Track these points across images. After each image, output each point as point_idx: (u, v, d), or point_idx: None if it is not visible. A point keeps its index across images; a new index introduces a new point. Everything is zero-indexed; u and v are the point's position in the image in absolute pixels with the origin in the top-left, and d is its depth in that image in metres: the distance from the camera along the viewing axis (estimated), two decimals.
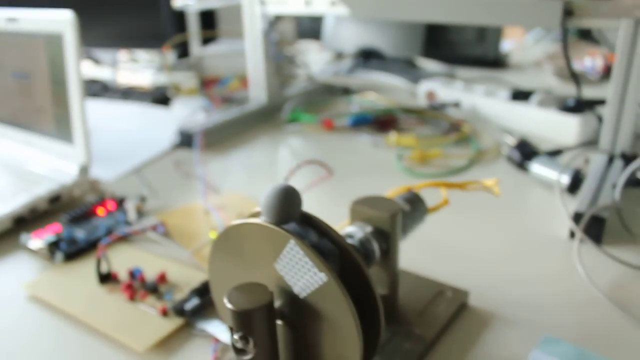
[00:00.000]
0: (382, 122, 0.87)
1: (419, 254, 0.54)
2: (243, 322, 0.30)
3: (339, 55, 1.33)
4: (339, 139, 0.86)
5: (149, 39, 1.19)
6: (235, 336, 0.30)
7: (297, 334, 0.33)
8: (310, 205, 0.52)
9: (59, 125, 0.70)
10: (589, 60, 1.20)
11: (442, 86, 0.97)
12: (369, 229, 0.39)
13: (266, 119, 0.95)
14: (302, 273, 0.30)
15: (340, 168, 0.74)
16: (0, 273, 0.55)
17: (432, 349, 0.41)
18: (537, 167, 0.67)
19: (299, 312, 0.32)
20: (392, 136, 0.81)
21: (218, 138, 0.87)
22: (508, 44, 1.51)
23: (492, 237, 0.57)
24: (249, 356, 0.31)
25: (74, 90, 0.67)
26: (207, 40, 1.27)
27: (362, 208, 0.39)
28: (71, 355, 0.43)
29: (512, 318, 0.44)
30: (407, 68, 1.17)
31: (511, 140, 0.72)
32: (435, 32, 1.21)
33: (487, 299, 0.47)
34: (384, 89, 1.11)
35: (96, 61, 1.38)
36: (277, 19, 0.94)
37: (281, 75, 1.02)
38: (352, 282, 0.31)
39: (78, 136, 0.68)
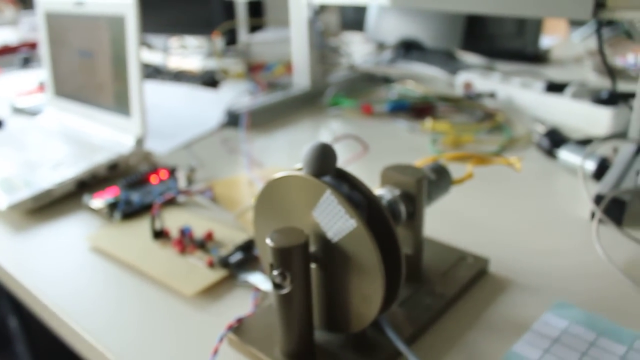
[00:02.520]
0: (418, 109, 0.91)
1: (443, 224, 0.58)
2: (281, 258, 0.34)
3: (381, 47, 1.37)
4: (377, 123, 0.90)
5: (199, 26, 1.25)
6: (275, 272, 0.35)
7: (329, 276, 0.38)
8: None
9: (118, 100, 0.77)
10: (632, 57, 1.21)
11: (479, 77, 1.00)
12: (397, 191, 0.43)
13: (308, 103, 1.00)
14: (336, 219, 0.35)
15: (376, 149, 0.78)
16: (65, 228, 0.61)
17: (452, 306, 0.45)
18: (564, 154, 0.69)
19: (331, 256, 0.37)
20: (428, 122, 0.85)
21: (262, 119, 0.92)
22: (550, 40, 1.52)
23: (514, 212, 0.60)
24: (286, 290, 0.35)
25: (133, 68, 0.73)
26: (254, 28, 1.33)
27: (391, 173, 0.44)
28: (127, 296, 0.49)
29: (528, 285, 0.48)
30: (446, 60, 1.20)
31: (542, 129, 0.74)
32: (474, 24, 1.23)
33: (506, 267, 0.50)
34: (422, 79, 1.14)
35: (149, 46, 1.45)
36: (322, 8, 0.99)
37: (324, 63, 1.06)
38: (378, 231, 0.35)
39: (135, 110, 0.74)
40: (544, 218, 0.59)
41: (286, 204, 0.38)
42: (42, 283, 0.51)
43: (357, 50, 1.40)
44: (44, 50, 0.90)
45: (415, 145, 0.80)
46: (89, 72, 0.81)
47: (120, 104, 0.77)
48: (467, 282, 0.47)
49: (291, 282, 0.35)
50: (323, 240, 0.37)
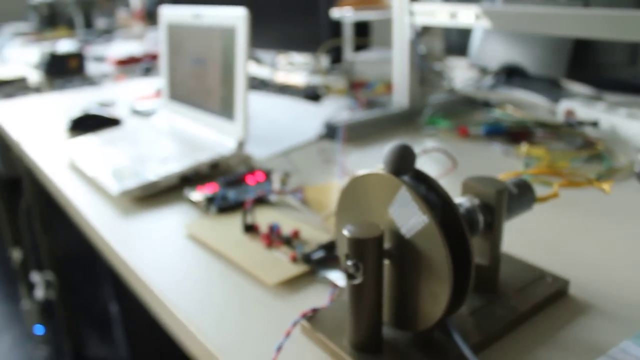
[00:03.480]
0: (515, 133, 0.90)
1: (523, 241, 0.57)
2: (356, 249, 0.37)
3: (484, 72, 1.36)
4: (472, 145, 0.90)
5: (306, 44, 1.31)
6: (349, 262, 0.37)
7: (400, 273, 0.39)
8: None
9: (224, 105, 0.82)
10: None
11: (583, 105, 0.97)
12: (476, 201, 0.44)
13: (405, 122, 1.02)
14: (409, 216, 0.36)
15: (466, 167, 0.78)
16: (167, 216, 0.67)
17: (525, 322, 0.45)
18: None
19: (404, 253, 0.38)
20: (523, 147, 0.84)
21: (359, 133, 0.95)
22: None
23: (602, 239, 0.58)
24: (358, 281, 0.37)
25: (240, 76, 0.78)
26: (359, 47, 1.37)
27: (472, 183, 0.45)
28: (215, 281, 0.53)
29: (610, 311, 0.46)
30: (550, 88, 1.17)
31: None
32: (582, 52, 1.20)
33: (587, 291, 0.49)
34: (523, 105, 1.13)
35: (258, 61, 1.53)
36: (424, 30, 1.01)
37: (424, 84, 1.08)
38: (451, 232, 0.37)
39: (238, 115, 0.79)
40: (635, 248, 0.57)
41: (366, 200, 0.40)
42: (142, 261, 0.57)
43: (460, 75, 1.40)
44: (163, 59, 0.98)
45: (507, 168, 0.79)
46: (200, 79, 0.88)
47: (225, 108, 0.82)
48: (544, 300, 0.46)
49: (364, 274, 0.37)
50: (397, 237, 0.38)
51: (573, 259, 0.54)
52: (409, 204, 0.36)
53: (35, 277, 1.50)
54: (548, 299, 0.47)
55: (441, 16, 0.92)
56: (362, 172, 0.40)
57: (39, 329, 1.81)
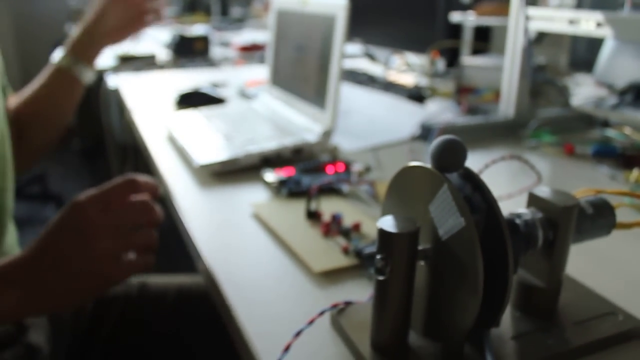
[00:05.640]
0: (629, 157, 0.81)
1: (596, 270, 0.51)
2: (385, 243, 0.34)
3: (611, 90, 1.25)
4: (575, 164, 0.83)
5: (421, 44, 1.28)
6: (378, 256, 0.35)
7: (434, 276, 0.36)
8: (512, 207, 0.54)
9: (317, 93, 0.82)
10: None
11: None
12: (539, 215, 0.40)
13: (508, 132, 0.96)
14: (448, 216, 0.34)
15: (563, 187, 0.72)
16: (240, 194, 0.68)
17: (578, 358, 0.40)
18: None
19: (440, 255, 0.35)
20: (635, 172, 0.76)
21: None
22: None
23: None
24: (383, 277, 0.35)
25: (334, 65, 0.77)
26: (477, 52, 1.31)
27: (539, 195, 0.40)
28: (264, 259, 0.53)
29: None
30: None
31: None
32: None
33: None
34: None
35: (372, 58, 1.51)
36: (542, 36, 0.94)
37: (538, 96, 1.01)
38: (491, 240, 0.33)
39: (329, 104, 0.79)
40: None
41: (411, 195, 0.38)
42: (203, 231, 0.58)
43: (583, 92, 1.29)
44: (270, 44, 1.00)
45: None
46: (299, 65, 0.88)
47: (318, 97, 0.82)
48: (607, 337, 0.41)
49: (391, 270, 0.35)
50: (435, 237, 0.35)
51: None
52: (449, 204, 0.33)
53: None
54: (614, 338, 0.41)
55: (559, 22, 0.85)
56: (410, 164, 0.37)
57: None
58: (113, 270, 0.54)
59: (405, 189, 0.38)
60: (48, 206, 2.63)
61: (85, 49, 0.95)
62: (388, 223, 0.34)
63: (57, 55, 0.95)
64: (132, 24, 1.01)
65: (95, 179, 2.96)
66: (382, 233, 0.34)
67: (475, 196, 0.34)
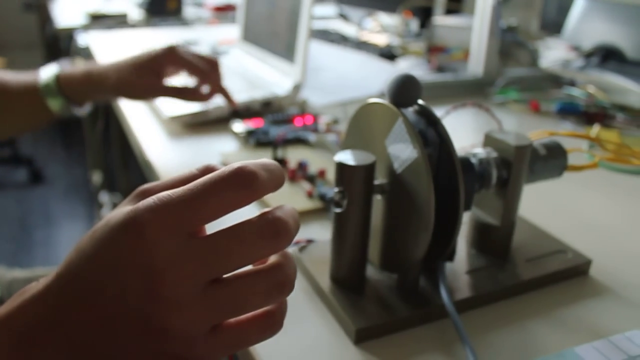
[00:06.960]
0: (591, 114, 0.84)
1: (552, 212, 0.53)
2: (342, 176, 0.35)
3: (578, 52, 1.27)
4: (539, 120, 0.84)
5: (393, 3, 1.28)
6: (336, 189, 0.36)
7: (390, 209, 0.38)
8: None
9: (287, 48, 0.82)
10: None
11: None
12: (493, 154, 0.41)
13: (475, 89, 0.97)
14: (402, 149, 0.35)
15: None
16: (209, 143, 0.68)
17: (527, 292, 0.42)
18: None
19: (395, 189, 0.37)
20: (595, 128, 0.78)
21: (425, 95, 0.92)
22: None
23: (639, 226, 0.53)
24: (340, 210, 0.36)
25: (303, 21, 0.77)
26: (450, 12, 1.32)
27: (495, 136, 0.42)
28: None
29: (628, 299, 0.42)
30: None
31: None
32: None
33: (610, 275, 0.45)
34: (612, 89, 1.04)
35: (346, 19, 1.51)
36: None
37: (506, 56, 1.02)
38: (443, 173, 0.35)
39: (298, 59, 0.79)
40: None
41: (369, 131, 0.39)
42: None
43: (552, 54, 1.31)
44: (242, 0, 0.99)
45: (569, 146, 0.74)
46: (270, 21, 0.88)
47: (288, 51, 0.82)
48: (555, 273, 0.43)
49: (349, 203, 0.36)
50: (391, 172, 0.37)
51: (603, 241, 0.50)
52: (403, 137, 0.34)
53: (104, 197, 1.59)
54: (562, 273, 0.43)
55: None
56: (368, 100, 0.38)
57: None
58: (193, 350, 0.26)
59: (364, 126, 0.39)
60: (19, 169, 2.59)
61: (85, 95, 0.73)
62: (345, 157, 0.36)
63: (45, 77, 0.71)
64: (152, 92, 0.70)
65: (67, 140, 2.92)
66: (340, 166, 0.35)
67: (430, 131, 0.36)
